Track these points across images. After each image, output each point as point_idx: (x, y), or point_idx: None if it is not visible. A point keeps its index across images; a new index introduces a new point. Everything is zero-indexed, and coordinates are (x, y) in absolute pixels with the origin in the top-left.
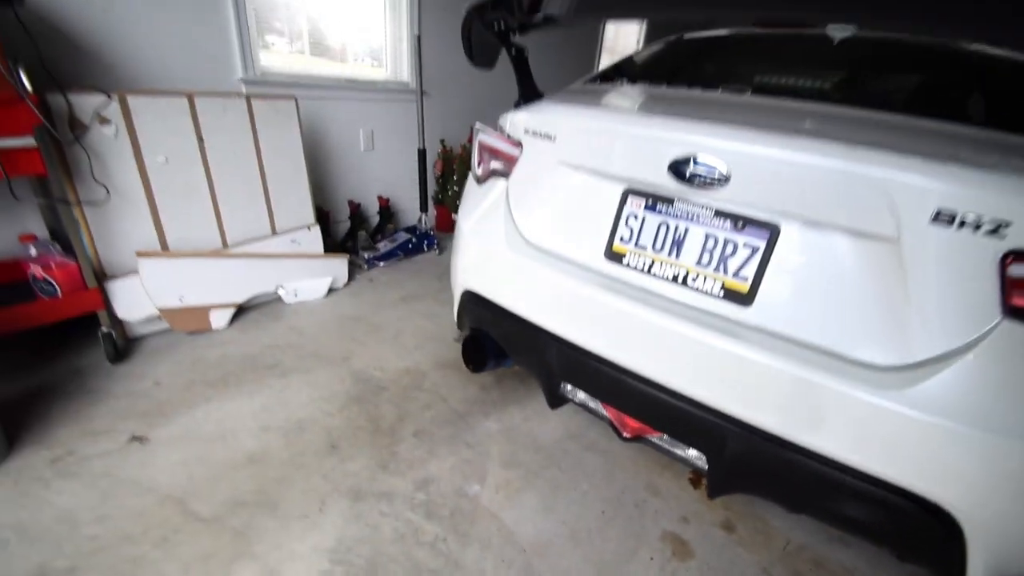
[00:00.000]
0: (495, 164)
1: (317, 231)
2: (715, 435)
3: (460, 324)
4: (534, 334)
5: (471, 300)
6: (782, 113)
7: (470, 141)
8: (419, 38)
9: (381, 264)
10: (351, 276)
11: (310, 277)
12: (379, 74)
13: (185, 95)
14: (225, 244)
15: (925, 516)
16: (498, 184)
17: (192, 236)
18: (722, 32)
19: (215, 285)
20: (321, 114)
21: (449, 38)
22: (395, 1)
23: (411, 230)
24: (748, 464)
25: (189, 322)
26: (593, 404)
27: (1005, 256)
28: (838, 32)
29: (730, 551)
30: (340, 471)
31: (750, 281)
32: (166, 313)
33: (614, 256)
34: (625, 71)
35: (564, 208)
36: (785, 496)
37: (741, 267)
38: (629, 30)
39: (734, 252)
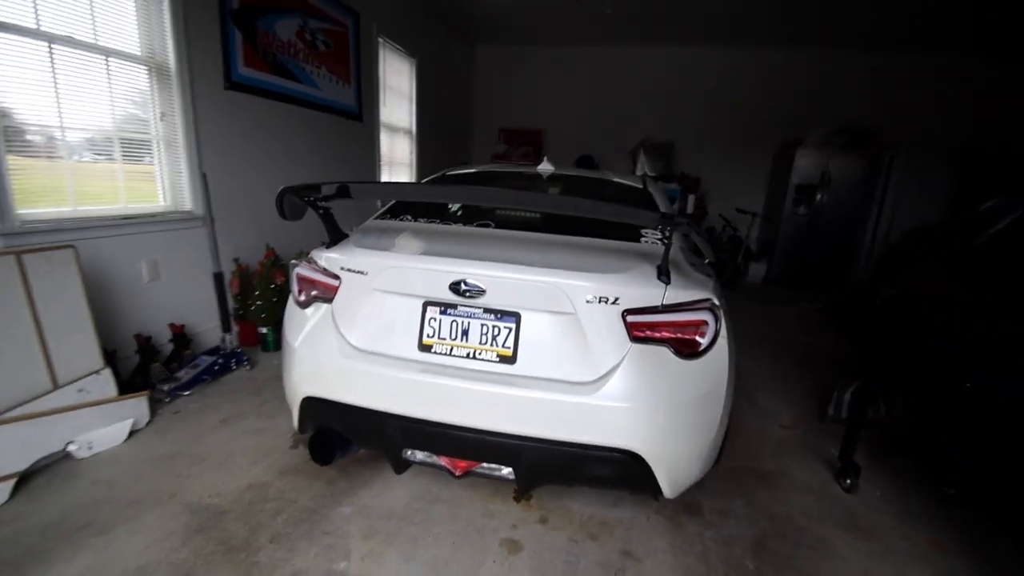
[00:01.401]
0: (315, 292)
1: (108, 374)
2: (513, 452)
3: (302, 428)
4: (374, 418)
5: (312, 404)
6: (511, 244)
7: (268, 257)
8: (205, 176)
9: (186, 393)
10: (153, 413)
11: (105, 425)
12: (156, 206)
13: None
14: None
15: (631, 460)
16: (322, 307)
17: None
18: (473, 169)
19: None
20: (95, 253)
21: (230, 168)
22: (170, 139)
23: (214, 351)
24: (537, 464)
25: None
26: (430, 459)
27: (623, 312)
28: (544, 172)
29: (548, 536)
30: None
31: (512, 348)
32: None
33: (425, 347)
34: (404, 207)
35: (382, 320)
36: (563, 476)
37: (505, 340)
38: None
39: (499, 332)
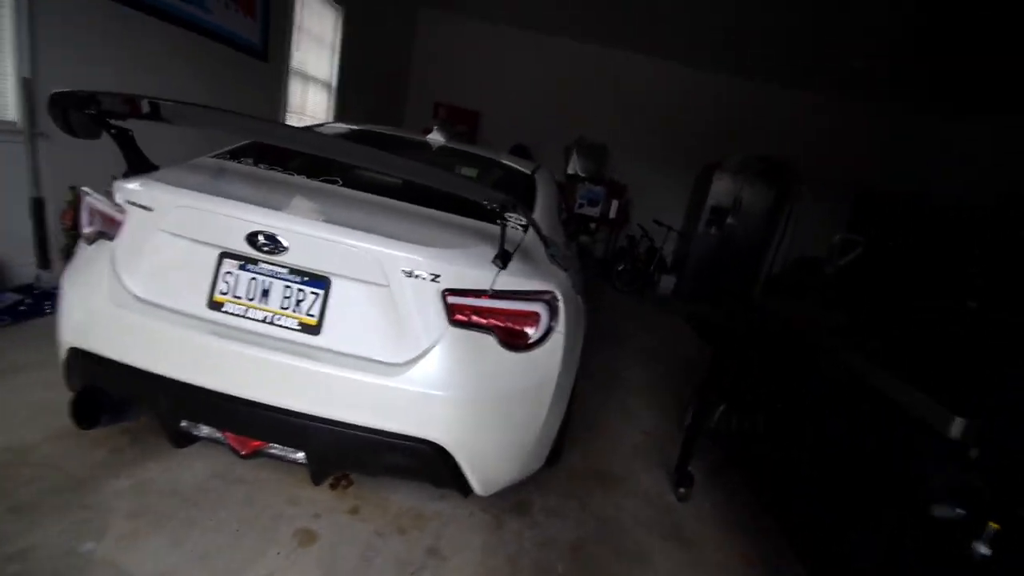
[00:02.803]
0: (102, 227)
1: None
2: (304, 433)
3: (69, 384)
4: (148, 381)
5: (79, 357)
6: (335, 201)
7: None
8: (27, 79)
9: None
10: None
11: None
12: None
13: None
14: None
15: (431, 451)
16: (105, 246)
17: None
18: (354, 127)
19: None
20: None
21: (82, 81)
22: None
23: (25, 289)
24: (330, 449)
25: None
26: (214, 435)
27: (444, 292)
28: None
29: (351, 527)
30: None
31: (317, 317)
32: None
33: (215, 305)
34: (255, 150)
35: (168, 267)
36: (361, 465)
37: (310, 307)
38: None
39: (304, 298)
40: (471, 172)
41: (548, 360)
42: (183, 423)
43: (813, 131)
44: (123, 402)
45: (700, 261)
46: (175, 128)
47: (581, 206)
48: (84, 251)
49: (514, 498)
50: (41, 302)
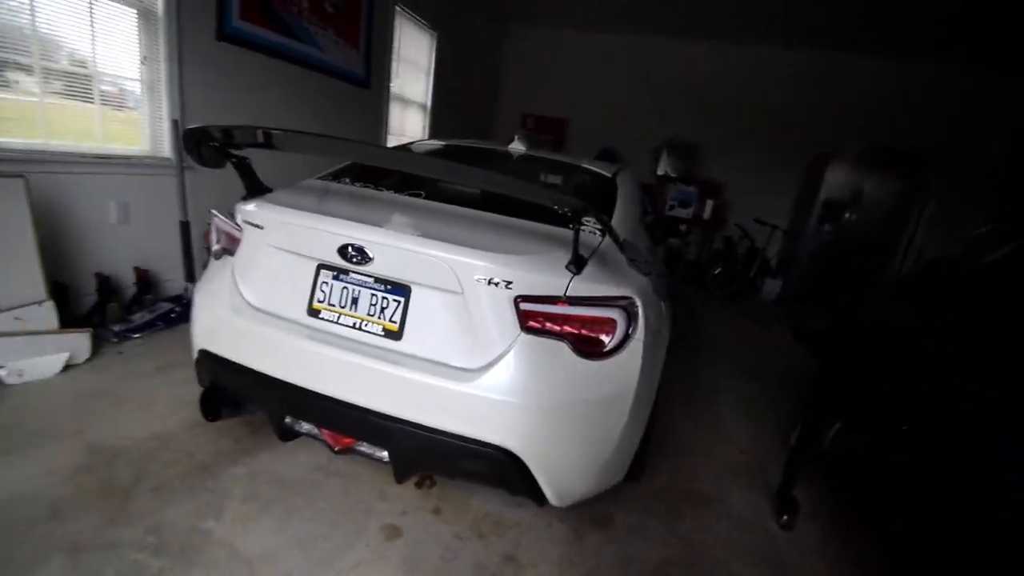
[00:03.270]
0: (226, 244)
1: (50, 306)
2: (388, 434)
3: (200, 380)
4: (259, 380)
5: (206, 358)
6: (415, 213)
7: None
8: (176, 122)
9: (136, 336)
10: (97, 350)
11: (39, 355)
12: (136, 149)
13: None
14: None
15: (505, 458)
16: (228, 260)
17: None
18: (440, 143)
19: None
20: (62, 188)
21: (217, 119)
22: (153, 83)
23: (176, 300)
24: (410, 450)
25: None
26: (313, 431)
27: (516, 299)
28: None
29: (434, 527)
30: (61, 532)
31: (399, 323)
32: None
33: (314, 312)
34: (352, 171)
35: (276, 279)
36: (438, 467)
37: (392, 314)
38: (415, 119)
39: (387, 305)
40: (553, 179)
41: (626, 369)
42: (287, 419)
43: (951, 111)
44: (241, 398)
45: (811, 262)
46: (291, 155)
47: (672, 208)
48: (212, 265)
49: (594, 512)
50: (188, 311)
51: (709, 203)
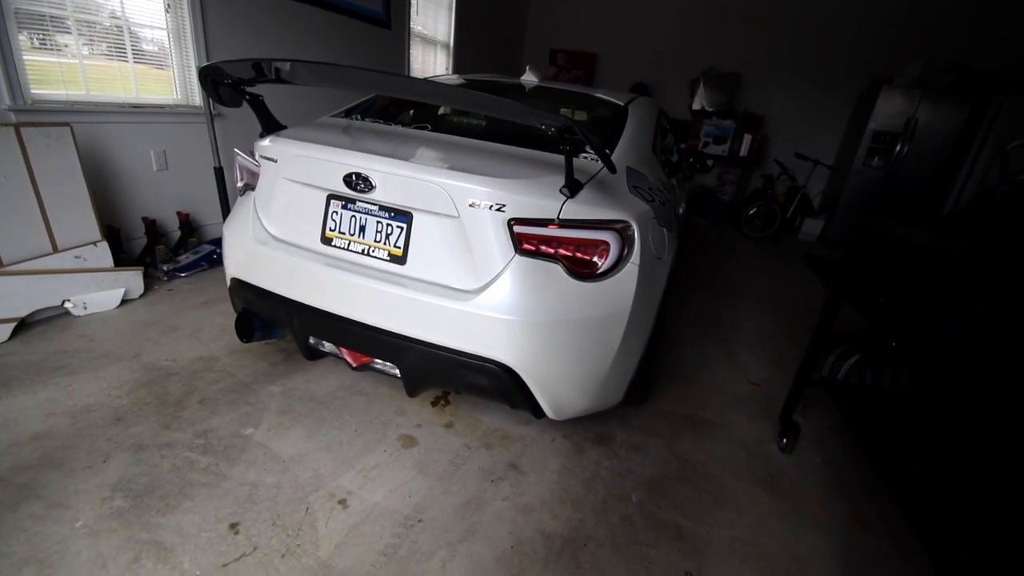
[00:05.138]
0: (248, 180)
1: (105, 246)
2: (397, 350)
3: (234, 307)
4: (284, 304)
5: (238, 286)
6: (416, 143)
7: None
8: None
9: (183, 275)
10: (149, 288)
11: (99, 290)
12: (168, 99)
13: None
14: (0, 263)
15: (503, 372)
16: (250, 195)
17: None
18: (454, 77)
19: None
20: (107, 138)
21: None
22: (179, 31)
23: (216, 242)
24: (417, 366)
25: None
26: (334, 350)
27: (510, 222)
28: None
29: (445, 438)
30: (124, 435)
31: (402, 249)
32: None
33: (326, 240)
34: (363, 108)
35: (291, 209)
36: (444, 381)
37: (396, 240)
38: (439, 59)
39: (392, 231)
40: (565, 109)
41: (620, 291)
42: (311, 340)
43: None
44: (270, 321)
45: (856, 200)
46: (313, 95)
47: (706, 144)
48: (238, 201)
49: (596, 430)
50: None
51: (747, 138)
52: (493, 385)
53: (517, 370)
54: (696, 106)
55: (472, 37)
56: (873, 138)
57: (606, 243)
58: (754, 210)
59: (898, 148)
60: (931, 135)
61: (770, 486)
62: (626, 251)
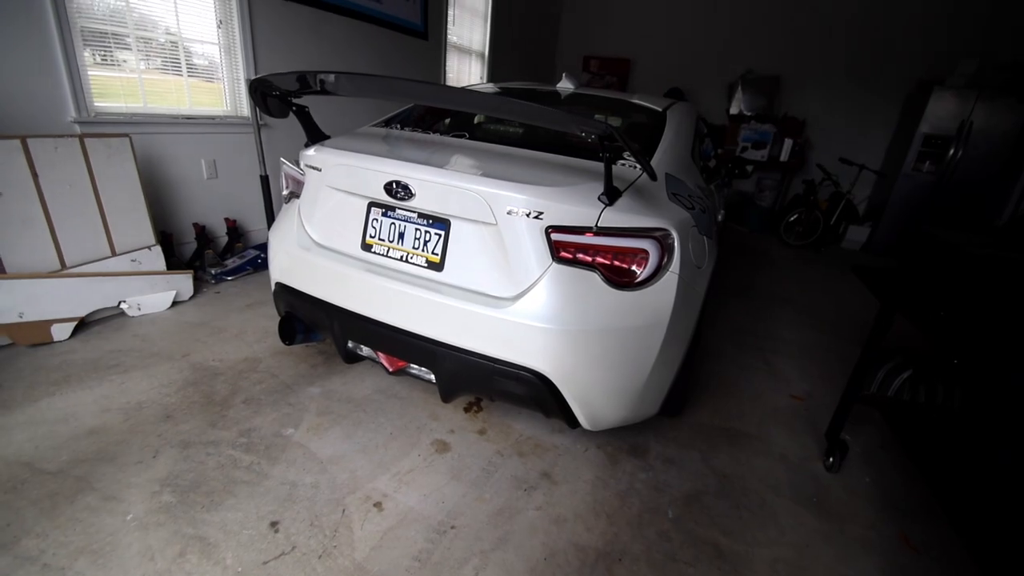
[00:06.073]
0: (293, 188)
1: (158, 251)
2: (433, 356)
3: (278, 310)
4: (325, 309)
5: (282, 290)
6: (454, 151)
7: None
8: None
9: (229, 279)
10: (198, 291)
11: (153, 292)
12: (218, 110)
13: (18, 137)
14: (63, 265)
15: (538, 381)
16: (295, 203)
17: (31, 258)
18: (490, 86)
19: (55, 301)
20: (161, 147)
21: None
22: (229, 46)
23: (261, 247)
24: (452, 372)
25: (30, 336)
26: (372, 354)
27: (547, 229)
28: (563, 90)
29: (478, 445)
30: (173, 431)
31: (440, 255)
32: (5, 328)
33: (367, 247)
34: (403, 116)
35: (334, 216)
36: (479, 388)
37: (435, 247)
38: (474, 68)
39: (430, 238)
40: (601, 116)
41: (658, 301)
42: (350, 344)
43: None
44: (311, 325)
45: (905, 207)
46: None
47: (744, 149)
48: (283, 208)
49: (631, 441)
50: None
51: (787, 143)
52: (528, 393)
53: (552, 379)
54: (734, 110)
55: (506, 46)
56: (924, 142)
57: (645, 251)
58: (795, 217)
59: (951, 152)
60: (986, 138)
61: (814, 505)
62: (665, 260)
